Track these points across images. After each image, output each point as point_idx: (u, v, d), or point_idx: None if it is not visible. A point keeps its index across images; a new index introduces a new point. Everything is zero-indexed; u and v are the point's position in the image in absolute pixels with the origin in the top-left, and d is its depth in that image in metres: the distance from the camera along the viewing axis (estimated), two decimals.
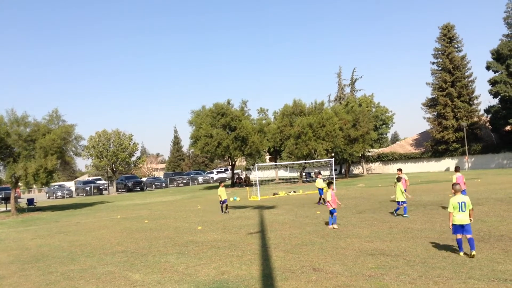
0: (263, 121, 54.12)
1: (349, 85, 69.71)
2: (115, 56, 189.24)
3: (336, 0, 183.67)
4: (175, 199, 35.39)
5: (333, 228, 13.38)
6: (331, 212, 13.66)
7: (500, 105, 49.94)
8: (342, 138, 44.17)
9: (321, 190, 21.44)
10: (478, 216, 12.84)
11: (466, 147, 50.38)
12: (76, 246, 14.08)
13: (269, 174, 70.29)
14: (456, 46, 55.53)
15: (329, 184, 14.30)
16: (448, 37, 55.27)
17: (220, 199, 20.46)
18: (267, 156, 68.51)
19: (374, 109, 61.13)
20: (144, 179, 69.01)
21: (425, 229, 12.34)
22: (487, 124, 55.39)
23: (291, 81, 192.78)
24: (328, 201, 13.74)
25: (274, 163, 56.20)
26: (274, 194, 30.63)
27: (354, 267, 8.58)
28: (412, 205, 18.28)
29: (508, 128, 50.45)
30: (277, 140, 48.12)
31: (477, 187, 24.19)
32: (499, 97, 48.70)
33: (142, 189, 59.66)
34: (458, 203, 9.02)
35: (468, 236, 8.84)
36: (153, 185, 62.55)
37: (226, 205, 20.59)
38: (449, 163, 55.80)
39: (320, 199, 21.43)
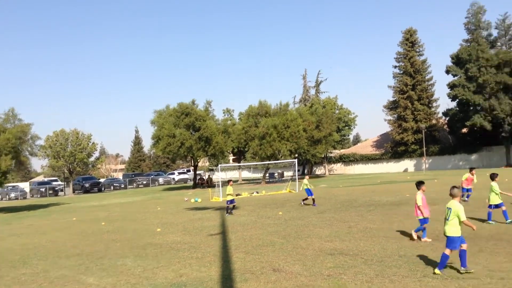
0: (228, 121, 53.99)
1: (314, 87, 70.52)
2: (74, 55, 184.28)
3: (301, 3, 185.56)
4: (134, 200, 34.73)
5: (426, 240, 10.45)
6: (422, 222, 10.64)
7: (457, 108, 51.82)
8: (305, 139, 44.57)
9: (308, 190, 20.70)
10: (435, 216, 13.13)
11: (424, 149, 51.90)
12: (28, 249, 13.52)
13: (233, 175, 70.05)
14: (417, 50, 57.25)
15: (419, 184, 10.80)
16: (410, 41, 56.89)
17: (228, 199, 19.14)
18: (231, 157, 68.33)
19: (337, 111, 62.17)
20: (102, 180, 67.48)
21: (382, 228, 12.56)
22: (445, 126, 57.38)
23: (258, 82, 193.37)
24: (418, 207, 10.57)
25: (237, 164, 56.10)
26: (237, 195, 30.37)
27: (313, 266, 8.62)
28: (371, 205, 18.60)
29: (464, 130, 52.36)
30: (242, 141, 48.08)
31: (433, 187, 24.84)
32: (457, 100, 50.49)
33: (100, 190, 58.32)
34: (447, 208, 7.76)
35: (463, 246, 7.53)
36: (112, 186, 61.27)
37: (234, 205, 19.39)
38: (408, 164, 57.42)
39: (306, 199, 20.52)
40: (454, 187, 7.85)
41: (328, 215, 16.41)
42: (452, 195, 7.73)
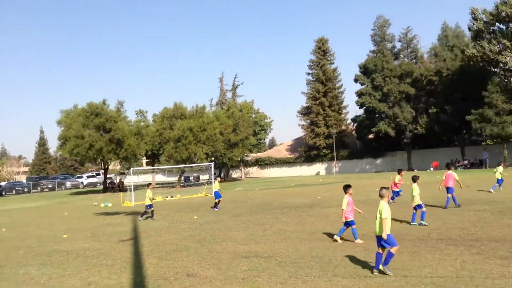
0: (142, 123, 52.66)
1: (231, 90, 71.06)
2: None
3: (217, 5, 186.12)
4: (39, 205, 32.57)
5: (336, 239, 10.78)
6: (348, 224, 10.74)
7: (365, 115, 55.05)
8: (222, 142, 44.67)
9: (217, 193, 20.69)
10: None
11: (335, 153, 54.38)
12: None
13: (146, 178, 68.42)
14: (329, 59, 59.95)
15: (347, 187, 10.93)
16: (322, 50, 59.41)
17: (147, 203, 18.59)
18: (144, 160, 66.63)
19: (254, 115, 63.24)
20: (3, 183, 62.61)
21: (296, 230, 12.89)
22: (353, 132, 60.70)
23: (173, 83, 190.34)
24: (343, 210, 10.69)
25: (151, 167, 54.78)
26: (152, 199, 29.64)
27: (228, 270, 8.61)
28: (285, 207, 19.04)
29: (371, 136, 55.71)
30: (156, 144, 47.11)
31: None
32: (364, 107, 53.57)
33: (0, 195, 54.05)
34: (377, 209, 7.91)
35: (390, 249, 7.64)
36: (14, 190, 57.08)
37: (152, 210, 18.68)
38: (320, 167, 59.87)
39: (216, 203, 20.40)
40: (382, 188, 8.03)
41: (243, 218, 16.53)
42: (381, 196, 7.93)
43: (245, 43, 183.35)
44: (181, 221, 16.89)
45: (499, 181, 19.90)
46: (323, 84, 57.92)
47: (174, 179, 64.60)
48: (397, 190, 18.15)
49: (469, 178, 27.09)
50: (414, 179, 13.25)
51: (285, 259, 9.22)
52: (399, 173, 18.60)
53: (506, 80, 39.57)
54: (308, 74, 60.45)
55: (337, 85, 59.41)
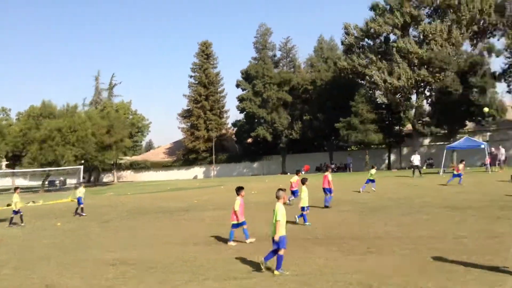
0: (4, 122, 47.87)
1: (107, 89, 67.77)
2: None
3: (99, 4, 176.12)
4: None
5: (232, 244, 10.43)
6: (239, 225, 10.63)
7: (245, 120, 56.41)
8: (94, 144, 42.31)
9: (79, 199, 19.13)
10: (222, 220, 13.77)
11: (214, 157, 54.80)
12: None
13: (5, 182, 61.86)
14: (212, 62, 60.42)
15: (239, 189, 10.83)
16: (205, 53, 59.69)
17: (14, 208, 16.56)
18: (4, 162, 60.39)
19: (131, 116, 61.06)
20: None
21: (169, 235, 12.52)
22: (233, 136, 61.90)
23: (43, 81, 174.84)
24: (235, 212, 10.56)
25: (11, 170, 49.76)
26: (8, 205, 26.63)
27: (92, 279, 8.05)
28: (159, 212, 18.50)
29: (250, 140, 57.28)
30: (19, 144, 43.15)
31: (221, 193, 26.26)
32: (245, 112, 54.88)
33: None
34: (273, 210, 7.89)
35: (279, 252, 7.65)
36: None
37: (12, 217, 16.63)
38: (198, 171, 59.94)
39: (78, 209, 18.95)
40: (279, 189, 8.04)
41: (113, 224, 15.71)
42: (277, 197, 7.94)
43: (124, 42, 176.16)
44: (42, 228, 15.50)
45: (370, 181, 21.50)
46: (205, 88, 58.17)
47: (38, 183, 59.36)
48: (294, 190, 18.21)
49: (336, 181, 28.98)
50: (303, 181, 13.77)
51: (155, 265, 8.84)
52: (297, 174, 18.75)
53: (371, 92, 43.56)
54: (191, 77, 60.31)
55: (219, 89, 60.14)
